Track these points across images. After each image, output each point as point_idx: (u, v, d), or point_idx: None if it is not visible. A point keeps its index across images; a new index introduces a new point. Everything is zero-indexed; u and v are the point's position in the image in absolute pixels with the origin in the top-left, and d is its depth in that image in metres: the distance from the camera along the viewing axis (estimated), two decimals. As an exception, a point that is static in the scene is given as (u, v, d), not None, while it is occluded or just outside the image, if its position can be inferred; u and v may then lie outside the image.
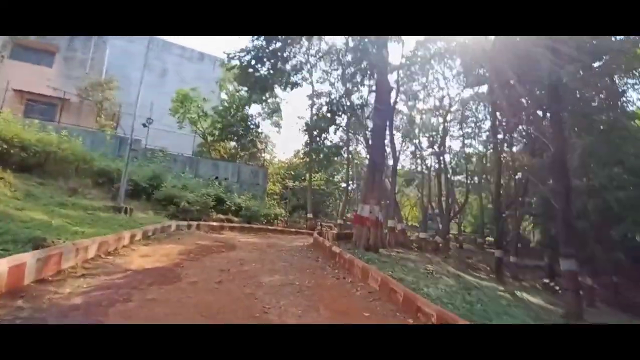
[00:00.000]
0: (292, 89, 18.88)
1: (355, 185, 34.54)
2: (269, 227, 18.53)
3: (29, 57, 19.80)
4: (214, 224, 14.43)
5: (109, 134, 18.30)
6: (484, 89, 24.80)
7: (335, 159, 26.08)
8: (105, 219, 8.91)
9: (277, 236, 15.25)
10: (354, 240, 11.25)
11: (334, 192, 41.25)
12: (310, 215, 25.51)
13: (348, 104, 21.27)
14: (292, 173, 31.25)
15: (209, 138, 24.14)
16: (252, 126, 24.19)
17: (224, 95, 27.48)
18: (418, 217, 62.70)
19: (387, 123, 16.61)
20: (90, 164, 12.36)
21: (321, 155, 22.82)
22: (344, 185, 44.58)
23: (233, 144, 26.04)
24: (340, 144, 27.68)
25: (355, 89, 21.46)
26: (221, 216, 16.75)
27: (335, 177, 40.06)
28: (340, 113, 21.37)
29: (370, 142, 15.55)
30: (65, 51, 20.73)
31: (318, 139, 23.03)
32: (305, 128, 24.28)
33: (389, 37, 14.99)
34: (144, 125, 20.41)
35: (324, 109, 22.58)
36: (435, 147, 30.21)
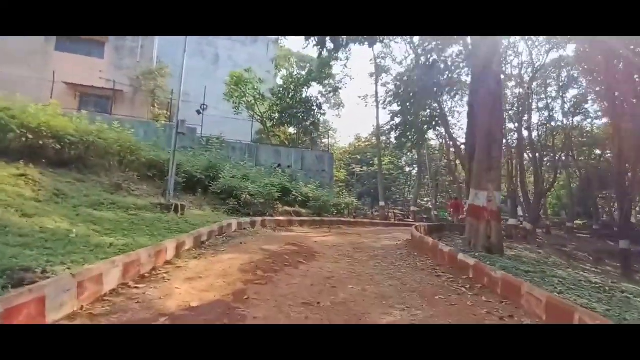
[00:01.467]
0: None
1: (424, 168, 30.80)
2: (342, 219, 16.02)
3: (78, 48, 18.96)
4: (281, 218, 12.19)
5: (162, 123, 16.85)
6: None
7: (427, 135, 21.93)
8: (148, 222, 6.89)
9: (355, 231, 12.68)
10: (468, 237, 8.25)
11: (399, 177, 37.90)
12: (382, 204, 22.71)
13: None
14: (358, 157, 28.48)
15: (268, 123, 22.13)
16: (313, 107, 21.70)
17: (279, 80, 25.33)
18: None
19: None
20: (137, 155, 10.61)
21: (410, 132, 19.15)
22: (408, 169, 41.04)
23: (293, 129, 23.87)
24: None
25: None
26: (287, 208, 14.53)
27: (399, 161, 36.50)
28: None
29: (475, 109, 12.25)
30: (114, 40, 19.67)
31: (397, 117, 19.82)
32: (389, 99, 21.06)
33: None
34: (198, 112, 18.77)
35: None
36: (516, 121, 25.49)
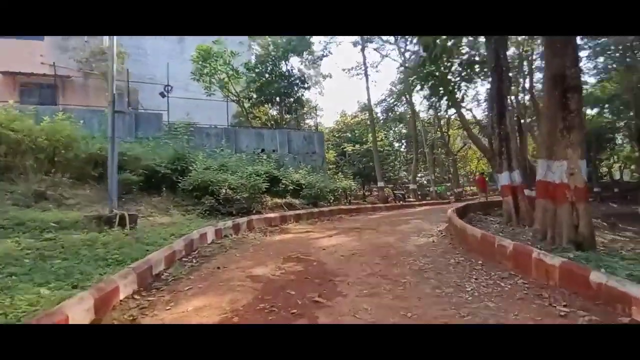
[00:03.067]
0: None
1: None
2: (341, 208, 13.71)
3: (10, 27, 15.70)
4: (272, 215, 9.78)
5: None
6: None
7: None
8: (71, 250, 4.41)
9: (363, 222, 10.39)
10: (541, 227, 5.93)
11: (391, 154, 35.75)
12: (381, 184, 20.50)
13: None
14: (348, 135, 26.05)
15: (246, 103, 19.38)
16: (296, 81, 19.00)
17: (255, 52, 22.38)
18: (486, 170, 55.98)
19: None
20: (76, 151, 7.95)
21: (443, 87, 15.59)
22: (396, 144, 38.82)
23: (275, 109, 21.21)
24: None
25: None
26: (277, 200, 12.12)
27: (387, 137, 34.10)
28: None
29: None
30: (53, 15, 16.43)
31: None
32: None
33: None
34: (163, 95, 15.99)
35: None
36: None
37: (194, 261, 5.12)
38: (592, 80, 25.54)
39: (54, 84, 16.05)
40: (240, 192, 9.63)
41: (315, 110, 25.91)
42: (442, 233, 7.40)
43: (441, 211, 14.83)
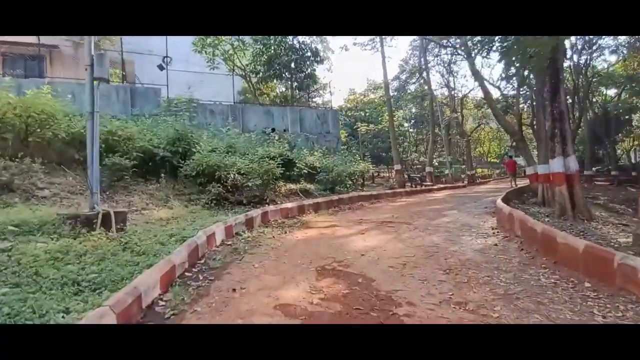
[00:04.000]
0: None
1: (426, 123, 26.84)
2: (362, 194, 12.40)
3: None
4: (289, 205, 8.46)
5: (113, 84, 12.64)
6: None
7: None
8: (28, 266, 3.15)
9: (391, 212, 9.07)
10: None
11: (403, 134, 34.22)
12: (397, 167, 19.09)
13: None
14: (362, 114, 24.46)
15: (253, 78, 17.82)
16: (307, 54, 17.36)
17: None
18: (497, 152, 54.33)
19: None
20: (54, 129, 6.60)
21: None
22: (406, 125, 37.05)
23: (284, 85, 19.62)
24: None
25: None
26: (292, 186, 10.82)
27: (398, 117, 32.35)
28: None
29: None
30: (38, -24, 14.78)
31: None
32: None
33: None
34: (161, 68, 14.44)
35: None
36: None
37: (201, 277, 3.83)
38: (612, 58, 23.59)
39: (39, 54, 14.55)
40: (251, 178, 8.31)
41: (326, 88, 24.28)
42: (497, 231, 6.06)
43: (467, 198, 13.51)
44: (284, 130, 14.98)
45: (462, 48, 18.14)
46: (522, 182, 19.22)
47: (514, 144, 18.68)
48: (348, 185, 12.76)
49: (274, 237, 5.98)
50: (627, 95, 28.30)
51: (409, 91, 31.41)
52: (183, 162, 8.23)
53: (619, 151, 37.57)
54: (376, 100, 28.30)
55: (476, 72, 16.94)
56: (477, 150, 46.92)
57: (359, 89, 41.08)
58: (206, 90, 16.54)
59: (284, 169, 9.64)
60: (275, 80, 18.33)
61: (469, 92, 35.85)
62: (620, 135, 33.64)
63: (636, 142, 36.57)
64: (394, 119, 26.05)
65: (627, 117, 31.98)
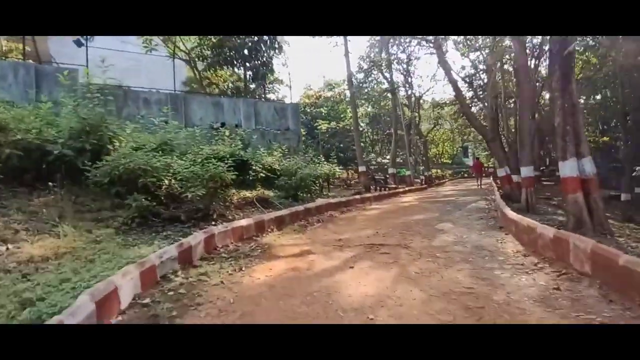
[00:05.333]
0: None
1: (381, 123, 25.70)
2: (330, 202, 10.55)
3: None
4: (244, 223, 6.27)
5: (11, 61, 9.78)
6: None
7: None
8: None
9: (374, 225, 7.25)
10: None
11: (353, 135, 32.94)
12: (362, 169, 17.53)
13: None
14: (323, 112, 22.64)
15: (200, 65, 15.32)
16: (263, 39, 15.17)
17: None
18: (450, 152, 55.26)
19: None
20: None
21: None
22: (362, 124, 35.90)
23: (235, 73, 17.25)
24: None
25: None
26: (247, 194, 8.71)
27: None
28: None
29: None
30: None
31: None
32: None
33: None
34: (79, 44, 11.67)
35: None
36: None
37: None
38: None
39: None
40: (191, 187, 6.11)
41: (283, 81, 22.19)
42: (537, 262, 4.42)
43: (442, 203, 12.15)
44: (236, 126, 12.74)
45: (432, 40, 16.96)
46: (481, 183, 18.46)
47: (487, 144, 17.87)
48: (312, 191, 10.85)
49: (222, 282, 3.89)
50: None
51: (366, 90, 30.22)
52: (92, 163, 5.82)
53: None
54: (336, 95, 26.64)
55: (445, 65, 15.82)
56: (431, 151, 47.19)
57: (316, 87, 39.40)
58: (144, 76, 13.87)
59: (236, 172, 7.50)
60: (226, 68, 15.94)
61: (426, 91, 35.63)
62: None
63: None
64: (360, 115, 24.59)
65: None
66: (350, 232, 6.96)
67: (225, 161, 6.86)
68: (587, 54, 22.19)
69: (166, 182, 6.66)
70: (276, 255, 5.14)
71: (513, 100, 23.08)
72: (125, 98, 11.35)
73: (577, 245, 3.71)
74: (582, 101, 28.22)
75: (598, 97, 27.43)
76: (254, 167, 9.07)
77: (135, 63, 14.18)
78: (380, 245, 5.56)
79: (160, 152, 7.21)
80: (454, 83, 15.63)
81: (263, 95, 16.86)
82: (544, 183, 27.37)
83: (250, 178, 9.01)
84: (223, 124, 12.26)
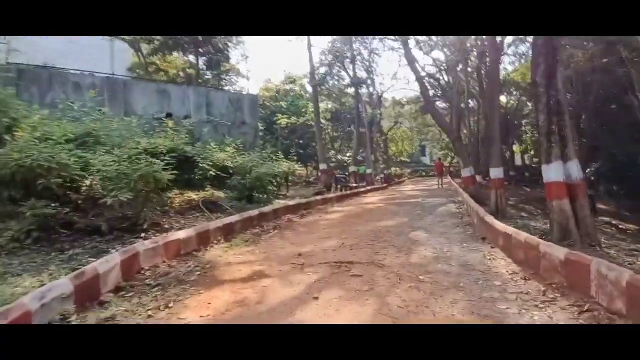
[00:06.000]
0: None
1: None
2: (288, 204, 9.54)
3: None
4: (182, 235, 5.07)
5: None
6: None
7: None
8: None
9: (339, 233, 6.30)
10: None
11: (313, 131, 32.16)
12: (323, 166, 16.67)
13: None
14: (283, 106, 21.47)
15: (144, 48, 13.65)
16: (218, 23, 13.77)
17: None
18: (408, 151, 55.96)
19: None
20: None
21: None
22: (323, 121, 35.09)
23: (185, 59, 15.67)
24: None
25: None
26: (191, 196, 7.50)
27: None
28: None
29: None
30: None
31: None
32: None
33: None
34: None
35: None
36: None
37: None
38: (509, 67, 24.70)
39: None
40: (115, 188, 4.85)
41: (240, 72, 20.77)
42: (543, 289, 3.65)
43: (409, 205, 11.51)
44: (185, 117, 11.35)
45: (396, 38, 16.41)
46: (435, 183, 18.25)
47: (452, 143, 17.60)
48: (269, 192, 9.77)
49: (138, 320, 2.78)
50: (518, 102, 29.66)
51: (328, 85, 29.42)
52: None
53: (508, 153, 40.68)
54: (297, 90, 25.58)
55: (411, 61, 15.28)
56: (391, 149, 47.47)
57: (276, 81, 37.99)
58: (84, 59, 12.08)
59: (177, 171, 6.27)
60: (176, 54, 14.36)
61: (387, 89, 35.57)
62: (511, 139, 36.20)
63: (524, 146, 39.85)
64: (322, 110, 23.66)
65: (520, 122, 34.13)
66: (312, 242, 5.99)
67: (162, 158, 5.63)
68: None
69: (87, 182, 5.34)
70: (219, 279, 4.05)
71: (474, 100, 23.24)
72: (50, 81, 9.64)
73: (603, 274, 2.96)
74: (529, 106, 29.32)
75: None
76: (201, 165, 7.83)
77: (70, 44, 12.33)
78: (349, 263, 4.63)
79: (80, 145, 5.85)
80: (420, 80, 15.13)
81: (218, 84, 15.43)
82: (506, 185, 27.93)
83: (197, 177, 7.79)
84: (169, 115, 10.85)
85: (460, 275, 4.15)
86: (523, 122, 34.57)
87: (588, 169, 17.93)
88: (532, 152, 37.51)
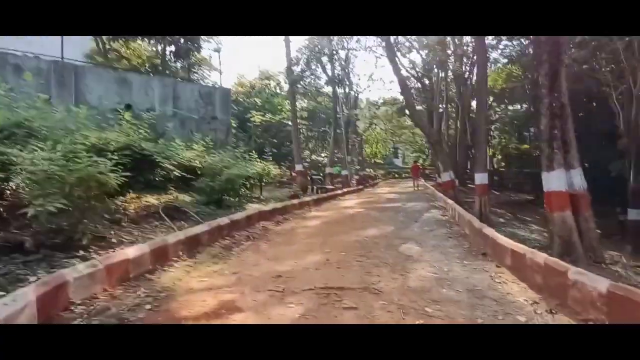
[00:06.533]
0: None
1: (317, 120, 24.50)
2: (262, 209, 8.62)
3: None
4: (132, 254, 4.07)
5: None
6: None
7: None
8: None
9: (319, 245, 5.45)
10: None
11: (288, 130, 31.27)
12: (299, 167, 15.81)
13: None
14: (258, 102, 20.41)
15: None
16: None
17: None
18: (382, 153, 56.00)
19: None
20: None
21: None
22: (299, 120, 34.18)
23: (150, 47, 14.39)
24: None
25: None
26: (151, 201, 6.47)
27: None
28: None
29: None
30: None
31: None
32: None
33: None
34: None
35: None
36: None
37: None
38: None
39: None
40: (42, 195, 3.81)
41: (211, 65, 19.49)
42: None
43: (390, 210, 10.85)
44: (148, 110, 10.19)
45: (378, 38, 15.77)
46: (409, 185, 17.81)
47: (432, 146, 17.17)
48: (242, 195, 8.83)
49: None
50: (489, 108, 29.88)
51: (304, 82, 28.56)
52: None
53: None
54: (272, 86, 24.59)
55: (394, 62, 14.69)
56: (366, 151, 47.29)
57: (251, 77, 36.72)
58: (36, 42, 10.60)
59: (134, 172, 5.23)
60: (140, 40, 13.07)
61: (364, 90, 35.19)
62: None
63: (492, 151, 40.59)
64: (300, 109, 22.73)
65: (489, 127, 34.55)
66: (292, 257, 5.14)
67: (111, 157, 4.60)
68: (510, 66, 22.96)
69: (12, 185, 4.26)
70: (176, 316, 3.13)
71: (453, 104, 23.04)
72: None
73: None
74: (498, 111, 29.68)
75: (517, 106, 28.91)
76: (163, 165, 6.80)
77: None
78: (339, 290, 3.80)
79: (7, 138, 4.73)
80: (401, 80, 14.57)
81: (187, 75, 14.20)
82: (461, 188, 28.15)
83: (157, 179, 6.75)
84: (128, 106, 9.67)
85: (474, 306, 3.42)
86: (492, 127, 35.20)
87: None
88: (499, 157, 38.36)
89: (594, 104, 18.07)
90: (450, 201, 10.54)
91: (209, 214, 6.95)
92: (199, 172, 8.19)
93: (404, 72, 20.63)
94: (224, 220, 6.38)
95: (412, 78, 20.29)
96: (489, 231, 5.49)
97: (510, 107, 29.03)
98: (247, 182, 9.01)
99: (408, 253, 5.42)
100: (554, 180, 5.71)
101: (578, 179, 5.72)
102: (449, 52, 18.66)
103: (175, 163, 7.29)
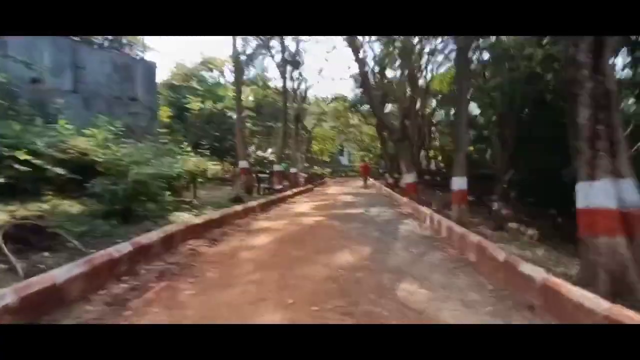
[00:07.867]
0: None
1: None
2: (193, 222, 6.33)
3: None
4: None
5: None
6: None
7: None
8: None
9: (277, 289, 3.44)
10: None
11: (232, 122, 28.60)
12: (244, 164, 13.52)
13: None
14: (197, 87, 17.62)
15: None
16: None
17: None
18: (330, 151, 54.80)
19: None
20: None
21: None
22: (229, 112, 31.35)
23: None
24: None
25: None
26: (13, 212, 3.92)
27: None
28: None
29: None
30: None
31: None
32: None
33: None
34: None
35: None
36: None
37: None
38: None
39: None
40: None
41: (146, 46, 16.44)
42: None
43: (357, 219, 8.95)
44: (35, 81, 7.35)
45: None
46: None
47: (395, 144, 15.68)
48: (164, 202, 6.46)
49: None
50: (434, 110, 29.60)
51: (249, 74, 26.06)
52: None
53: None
54: (215, 75, 21.92)
55: (357, 51, 12.95)
56: (313, 148, 45.78)
57: (191, 64, 33.11)
58: None
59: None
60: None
61: (313, 85, 33.42)
62: (426, 145, 36.83)
63: (434, 153, 41.07)
64: (245, 99, 20.16)
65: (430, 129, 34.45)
66: (230, 316, 3.04)
67: None
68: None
69: None
70: None
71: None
72: None
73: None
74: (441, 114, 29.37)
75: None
76: (22, 158, 4.28)
77: None
78: None
79: None
80: (363, 75, 12.89)
81: (99, 43, 11.16)
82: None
83: (23, 179, 4.22)
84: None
85: None
86: (432, 129, 35.27)
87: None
88: (440, 158, 38.83)
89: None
90: (424, 209, 8.96)
91: (105, 234, 4.57)
92: (102, 167, 5.72)
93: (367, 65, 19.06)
94: (122, 248, 4.04)
95: (372, 71, 18.78)
96: (517, 262, 3.78)
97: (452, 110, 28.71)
98: (171, 184, 6.64)
99: (413, 305, 3.53)
100: (598, 193, 4.13)
101: (630, 192, 4.19)
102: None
103: (53, 158, 4.79)
